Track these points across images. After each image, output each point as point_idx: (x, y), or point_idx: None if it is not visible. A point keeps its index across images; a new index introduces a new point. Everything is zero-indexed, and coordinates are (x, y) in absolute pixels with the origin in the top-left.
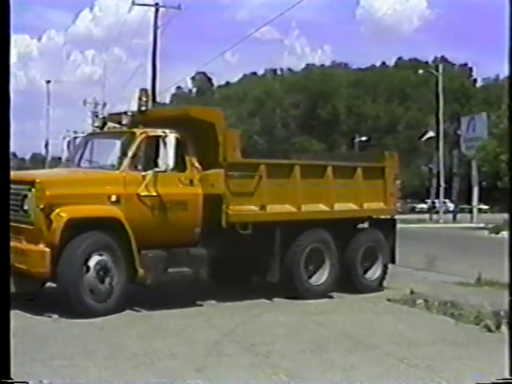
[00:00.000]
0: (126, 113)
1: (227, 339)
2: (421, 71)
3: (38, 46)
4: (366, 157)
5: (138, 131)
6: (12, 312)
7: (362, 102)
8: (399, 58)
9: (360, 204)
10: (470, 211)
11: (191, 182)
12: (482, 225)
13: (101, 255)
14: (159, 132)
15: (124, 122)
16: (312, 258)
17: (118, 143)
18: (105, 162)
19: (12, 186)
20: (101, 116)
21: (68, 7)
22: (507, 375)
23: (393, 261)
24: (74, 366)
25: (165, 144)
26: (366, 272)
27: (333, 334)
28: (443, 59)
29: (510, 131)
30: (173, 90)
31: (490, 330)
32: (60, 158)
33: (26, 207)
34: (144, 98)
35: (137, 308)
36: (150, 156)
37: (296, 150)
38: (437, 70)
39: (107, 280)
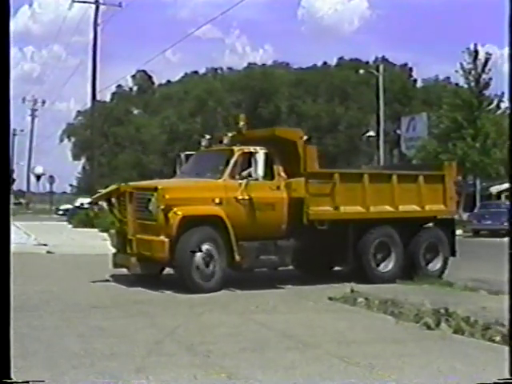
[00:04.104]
0: (226, 134)
1: (168, 339)
2: (361, 71)
3: None
4: (429, 166)
5: (235, 148)
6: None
7: (303, 101)
8: (340, 58)
9: (422, 206)
10: None
11: (278, 187)
12: None
13: (207, 245)
14: (252, 149)
15: (225, 141)
16: (380, 250)
17: (221, 158)
18: (210, 172)
19: (139, 192)
20: (208, 137)
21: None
22: (507, 375)
23: (453, 254)
24: (14, 367)
25: (256, 158)
26: (428, 264)
27: (274, 333)
28: (384, 59)
29: (510, 132)
30: (113, 89)
31: (429, 328)
32: None
33: (150, 208)
34: (242, 122)
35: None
36: (245, 168)
37: None
38: (377, 70)
39: (211, 264)
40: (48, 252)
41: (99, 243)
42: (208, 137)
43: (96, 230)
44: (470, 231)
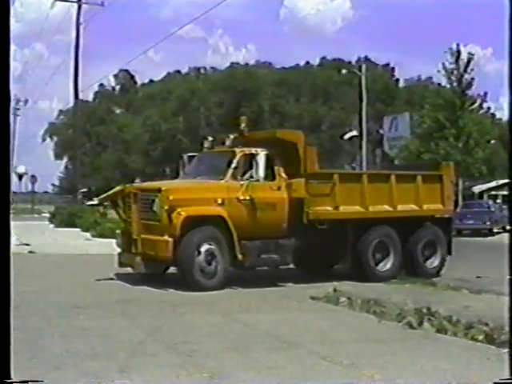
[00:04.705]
0: (228, 136)
1: (151, 339)
2: (344, 71)
3: None
4: (427, 167)
5: (237, 150)
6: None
7: (286, 101)
8: (323, 58)
9: (420, 205)
10: None
11: (279, 188)
12: None
13: (209, 244)
14: (253, 150)
15: (227, 143)
16: (378, 249)
17: (223, 160)
18: (212, 174)
19: (144, 193)
20: (210, 139)
21: None
22: (507, 375)
23: (449, 253)
24: None
25: (257, 160)
26: (426, 261)
27: (257, 332)
28: (366, 59)
29: (510, 132)
30: (96, 88)
31: (412, 327)
32: None
33: (154, 208)
34: (243, 124)
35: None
36: (246, 169)
37: None
38: (360, 70)
39: (213, 263)
40: (30, 252)
41: (81, 243)
42: (210, 138)
43: (78, 229)
44: (454, 230)
